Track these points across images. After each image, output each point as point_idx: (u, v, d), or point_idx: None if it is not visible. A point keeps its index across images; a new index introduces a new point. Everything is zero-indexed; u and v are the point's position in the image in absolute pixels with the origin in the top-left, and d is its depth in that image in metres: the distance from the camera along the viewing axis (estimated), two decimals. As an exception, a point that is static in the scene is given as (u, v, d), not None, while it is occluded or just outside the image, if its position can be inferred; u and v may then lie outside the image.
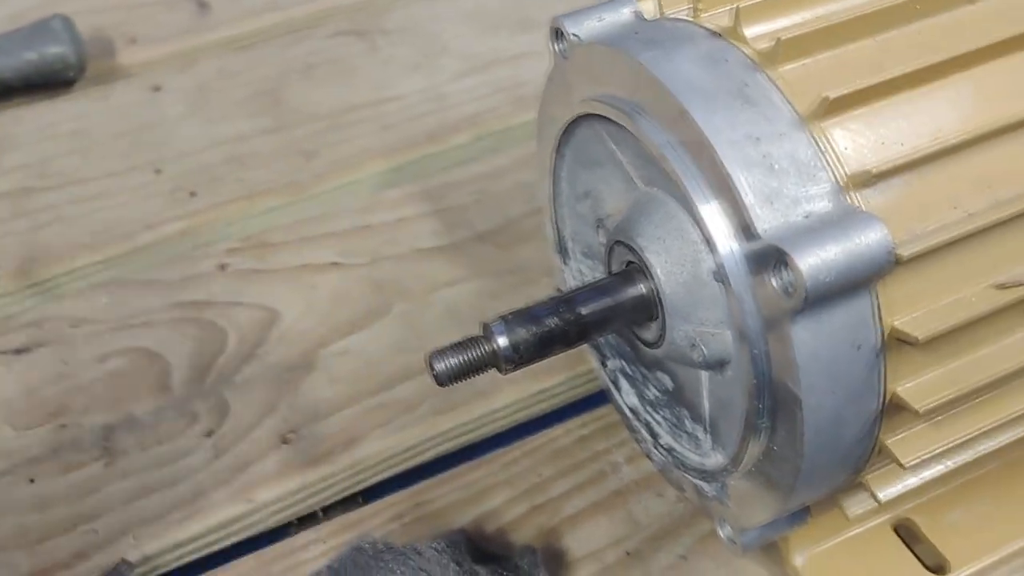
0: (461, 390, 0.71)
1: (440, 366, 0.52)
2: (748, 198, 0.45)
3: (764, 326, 0.46)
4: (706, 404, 0.55)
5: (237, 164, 0.87)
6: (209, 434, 0.70)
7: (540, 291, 0.68)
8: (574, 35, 0.55)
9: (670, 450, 0.59)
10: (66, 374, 0.73)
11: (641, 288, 0.53)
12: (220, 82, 0.94)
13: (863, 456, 0.49)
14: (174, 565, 0.65)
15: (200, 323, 0.76)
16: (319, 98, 0.92)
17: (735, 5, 0.50)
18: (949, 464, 0.52)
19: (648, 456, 0.63)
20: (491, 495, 0.66)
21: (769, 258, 0.44)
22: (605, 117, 0.53)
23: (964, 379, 0.47)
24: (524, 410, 0.72)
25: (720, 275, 0.47)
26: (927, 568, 0.60)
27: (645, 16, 0.54)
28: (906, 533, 0.61)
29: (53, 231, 0.82)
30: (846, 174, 0.46)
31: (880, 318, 0.45)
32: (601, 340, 0.63)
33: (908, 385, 0.47)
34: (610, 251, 0.57)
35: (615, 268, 0.57)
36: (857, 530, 0.61)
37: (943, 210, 0.46)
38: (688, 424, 0.58)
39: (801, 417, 0.46)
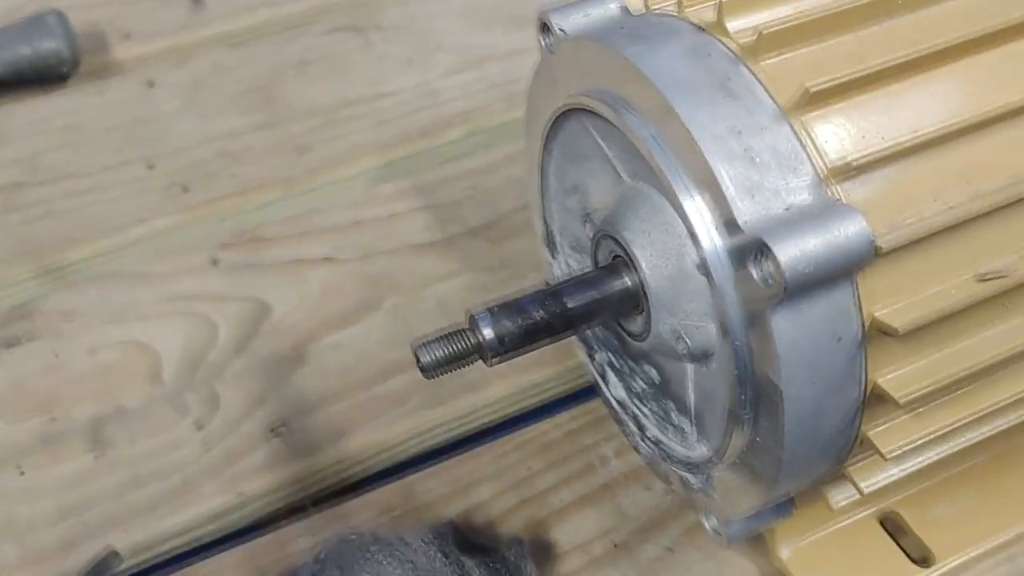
0: (451, 384, 0.71)
1: (425, 357, 0.52)
2: (730, 191, 0.45)
3: (746, 317, 0.46)
4: (691, 396, 0.55)
5: (231, 159, 0.87)
6: (199, 427, 0.70)
7: (531, 286, 0.68)
8: (561, 29, 0.55)
9: (657, 443, 0.60)
10: (56, 366, 0.73)
11: (626, 281, 0.54)
12: (214, 78, 0.94)
13: (845, 447, 0.50)
14: (163, 556, 0.65)
15: (191, 316, 0.76)
16: (313, 94, 0.92)
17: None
18: (932, 456, 0.52)
19: (636, 449, 0.63)
20: (480, 488, 0.67)
21: (750, 249, 0.44)
22: (592, 111, 0.53)
23: (945, 370, 0.47)
24: (514, 405, 0.72)
25: (703, 267, 0.47)
26: (912, 560, 0.60)
27: (631, 10, 0.54)
28: (892, 526, 0.62)
29: (45, 225, 0.82)
30: (827, 167, 0.46)
31: (861, 309, 0.45)
32: (589, 333, 0.64)
33: (889, 376, 0.47)
34: (596, 244, 0.57)
35: (601, 261, 0.57)
36: (843, 523, 0.61)
37: (924, 202, 0.46)
38: (674, 417, 0.58)
39: (782, 408, 0.46)
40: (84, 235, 0.81)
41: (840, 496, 0.56)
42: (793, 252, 0.43)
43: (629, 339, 0.57)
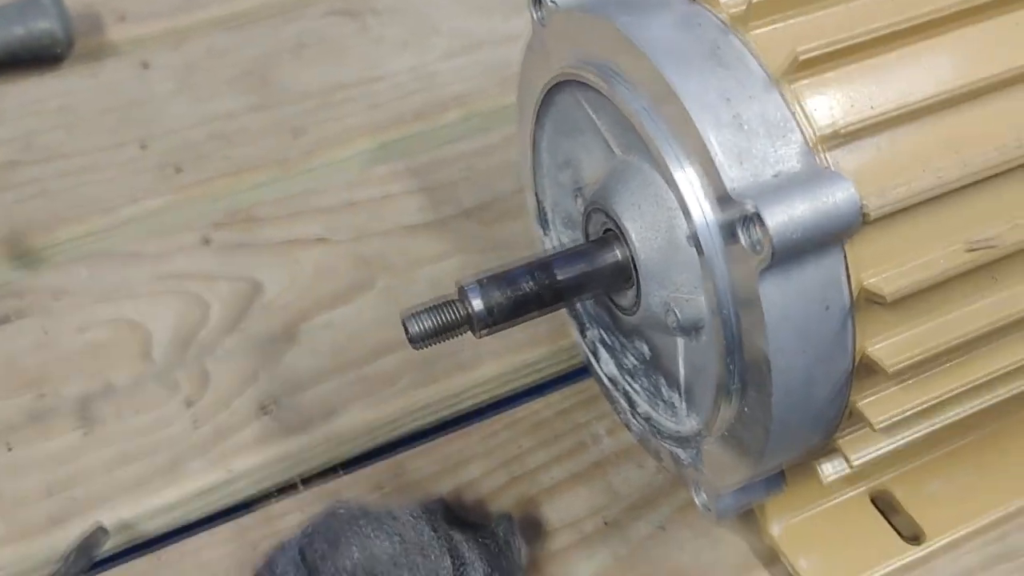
0: (442, 364, 0.71)
1: (414, 328, 0.52)
2: (719, 157, 0.45)
3: (735, 287, 0.46)
4: (682, 370, 0.55)
5: (224, 141, 0.87)
6: (189, 404, 0.70)
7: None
8: (552, 1, 0.55)
9: (647, 418, 0.59)
10: (46, 343, 0.73)
11: (617, 253, 0.54)
12: (209, 60, 0.94)
13: (835, 418, 0.49)
14: (152, 532, 0.65)
15: (183, 295, 0.76)
16: (308, 77, 0.92)
17: (710, -31, 0.50)
18: (922, 429, 0.52)
19: (627, 426, 0.63)
20: (470, 466, 0.66)
21: (739, 216, 0.44)
22: (583, 83, 0.53)
23: (934, 340, 0.47)
24: (505, 385, 0.72)
25: (693, 239, 0.47)
26: (903, 538, 0.60)
27: (622, -19, 0.54)
28: (884, 504, 0.62)
29: (37, 204, 0.82)
30: (816, 134, 0.46)
31: (850, 277, 0.45)
32: (580, 310, 0.63)
33: (879, 345, 0.47)
34: (587, 218, 0.57)
35: (592, 235, 0.57)
36: (834, 500, 0.61)
37: (912, 171, 0.46)
38: (665, 391, 0.58)
39: (770, 378, 0.46)
40: (76, 214, 0.81)
41: (831, 470, 0.55)
42: (781, 218, 0.42)
43: (620, 314, 0.57)
